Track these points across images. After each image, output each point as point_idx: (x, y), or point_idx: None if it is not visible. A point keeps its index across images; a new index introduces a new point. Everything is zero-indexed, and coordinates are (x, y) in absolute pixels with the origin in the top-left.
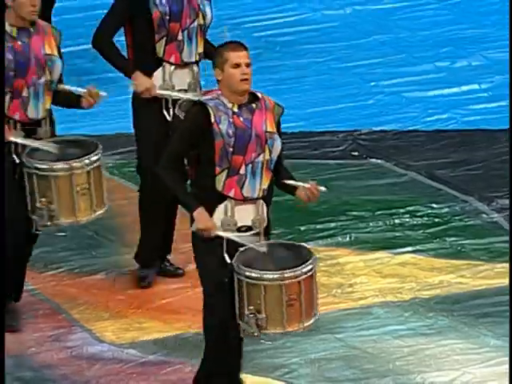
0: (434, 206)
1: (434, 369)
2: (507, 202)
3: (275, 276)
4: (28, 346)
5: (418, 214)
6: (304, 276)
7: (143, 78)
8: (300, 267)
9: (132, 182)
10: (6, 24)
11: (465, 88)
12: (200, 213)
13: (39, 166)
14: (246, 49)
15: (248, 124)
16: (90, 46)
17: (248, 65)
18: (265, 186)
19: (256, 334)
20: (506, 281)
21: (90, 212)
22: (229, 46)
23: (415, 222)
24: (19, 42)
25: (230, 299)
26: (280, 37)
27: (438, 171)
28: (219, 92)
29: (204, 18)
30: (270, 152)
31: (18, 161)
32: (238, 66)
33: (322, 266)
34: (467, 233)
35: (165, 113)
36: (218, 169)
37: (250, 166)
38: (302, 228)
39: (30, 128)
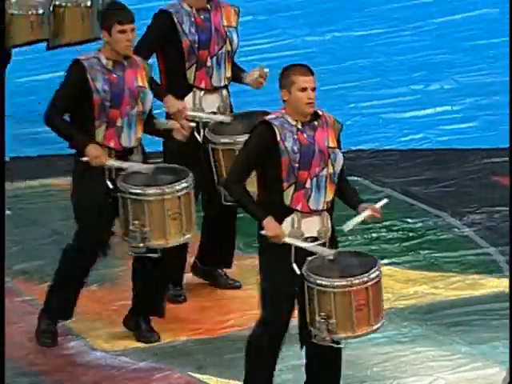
0: (409, 220)
1: (409, 374)
2: (478, 217)
3: (344, 283)
4: (25, 354)
5: (394, 228)
6: (371, 282)
7: (175, 101)
8: (367, 274)
9: None
10: (102, 57)
11: (438, 109)
12: (269, 221)
13: (133, 190)
14: (312, 74)
15: (311, 140)
16: None
17: (314, 89)
18: (329, 198)
19: (327, 339)
20: (477, 292)
21: (179, 235)
22: (297, 69)
23: (391, 236)
24: (114, 75)
25: (289, 312)
26: (263, 61)
27: (413, 188)
28: (283, 111)
29: (231, 44)
30: (333, 166)
31: (111, 186)
32: (304, 89)
33: None
34: (440, 246)
35: (196, 135)
36: (285, 184)
37: (315, 179)
38: None
39: (123, 155)
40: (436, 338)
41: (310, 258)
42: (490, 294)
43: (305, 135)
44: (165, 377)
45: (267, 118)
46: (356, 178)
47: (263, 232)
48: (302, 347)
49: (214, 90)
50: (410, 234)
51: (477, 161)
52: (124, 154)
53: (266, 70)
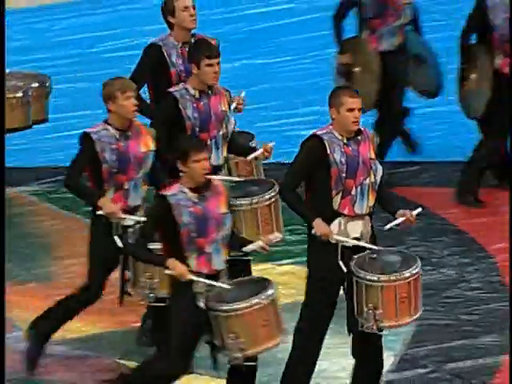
0: None
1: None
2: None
3: (391, 278)
4: None
5: (296, 231)
6: (412, 278)
7: (324, 225)
8: (409, 270)
9: (58, 206)
10: (189, 87)
11: None
12: (318, 222)
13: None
14: (358, 96)
15: (356, 153)
16: None
17: (360, 110)
18: (371, 204)
19: (374, 328)
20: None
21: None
22: (346, 91)
23: (294, 239)
24: (201, 103)
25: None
26: None
27: None
28: (330, 127)
29: (375, 175)
30: (375, 175)
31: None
32: (352, 110)
33: None
34: None
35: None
36: (334, 192)
37: (360, 188)
38: None
39: (214, 172)
40: (333, 327)
41: (355, 256)
42: None
43: (350, 148)
44: (96, 362)
45: (317, 132)
46: None
47: (313, 231)
48: (349, 334)
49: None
50: None
51: None
52: (214, 171)
53: (243, 94)
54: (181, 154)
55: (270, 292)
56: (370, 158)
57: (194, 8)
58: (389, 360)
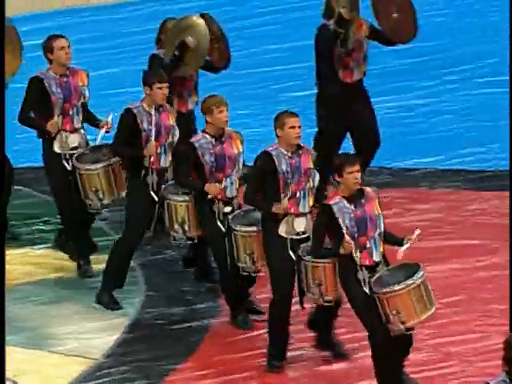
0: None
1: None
2: (109, 214)
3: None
4: None
5: (49, 222)
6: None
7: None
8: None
9: None
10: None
11: None
12: (277, 206)
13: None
14: (297, 116)
15: (298, 164)
16: None
17: (300, 127)
18: (311, 204)
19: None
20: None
21: None
22: (286, 114)
23: (48, 228)
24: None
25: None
26: None
27: None
28: (277, 144)
29: (313, 180)
30: (313, 181)
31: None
32: (293, 127)
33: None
34: None
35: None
36: (282, 195)
37: (302, 191)
38: None
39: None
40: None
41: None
42: None
43: (294, 160)
44: None
45: (268, 149)
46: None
47: (273, 209)
48: (301, 306)
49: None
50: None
51: None
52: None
53: (111, 117)
54: (336, 168)
55: (420, 274)
56: (309, 168)
57: (68, 47)
58: (124, 323)
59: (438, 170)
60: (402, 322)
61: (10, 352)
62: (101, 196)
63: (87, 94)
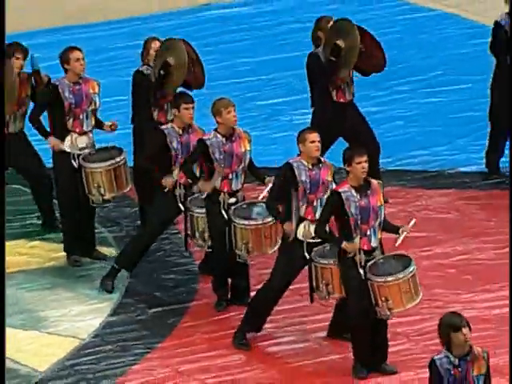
0: None
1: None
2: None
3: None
4: None
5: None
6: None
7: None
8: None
9: None
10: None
11: None
12: (288, 224)
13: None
14: (316, 131)
15: (318, 176)
16: None
17: (319, 141)
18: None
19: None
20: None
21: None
22: (307, 130)
23: (39, 222)
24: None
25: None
26: None
27: None
28: (299, 157)
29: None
30: (328, 192)
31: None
32: (313, 142)
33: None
34: None
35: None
36: (301, 203)
37: (319, 200)
38: None
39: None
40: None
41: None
42: None
43: (314, 172)
44: None
45: (290, 161)
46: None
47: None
48: (311, 301)
49: None
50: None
51: None
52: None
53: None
54: (346, 159)
55: (411, 268)
56: (327, 180)
57: (83, 59)
58: (109, 307)
59: (387, 170)
60: (389, 309)
61: (9, 333)
62: (102, 192)
63: (98, 101)
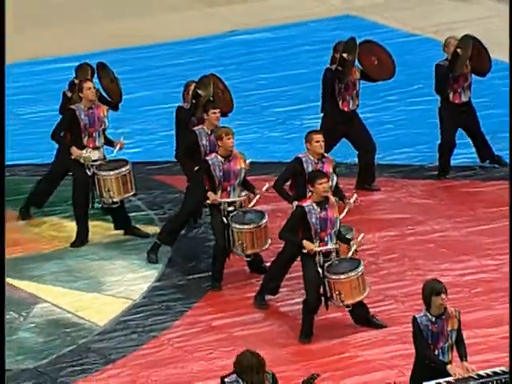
0: None
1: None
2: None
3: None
4: None
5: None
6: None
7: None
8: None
9: None
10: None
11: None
12: (295, 202)
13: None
14: (320, 133)
15: (321, 168)
16: None
17: (323, 141)
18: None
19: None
20: None
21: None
22: (313, 132)
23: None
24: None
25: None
26: None
27: None
28: (307, 153)
29: (332, 180)
30: (332, 181)
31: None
32: (318, 141)
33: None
34: None
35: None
36: (307, 190)
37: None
38: None
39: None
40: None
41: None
42: None
43: (318, 166)
44: None
45: (300, 155)
46: None
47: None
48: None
49: None
50: None
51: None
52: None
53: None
54: (309, 180)
55: (360, 269)
56: (329, 172)
57: (94, 88)
58: (155, 274)
59: (379, 164)
60: (342, 301)
61: (75, 294)
62: (111, 195)
63: (107, 122)
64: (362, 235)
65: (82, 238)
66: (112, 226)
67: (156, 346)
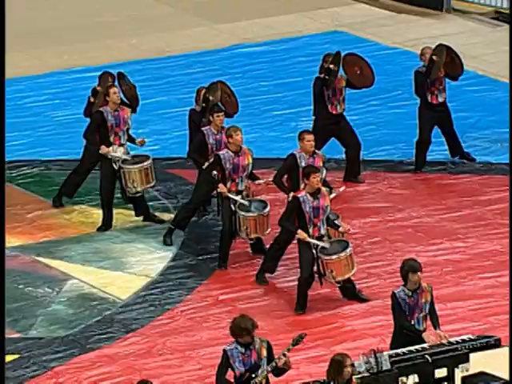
0: None
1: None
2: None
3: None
4: None
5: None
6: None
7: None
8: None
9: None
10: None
11: None
12: (292, 193)
13: None
14: (312, 133)
15: (313, 163)
16: None
17: (314, 140)
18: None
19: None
20: None
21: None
22: (305, 132)
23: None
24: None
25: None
26: None
27: None
28: (299, 150)
29: (322, 173)
30: (322, 174)
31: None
32: (309, 141)
33: None
34: None
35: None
36: (301, 182)
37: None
38: None
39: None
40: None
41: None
42: None
43: (310, 160)
44: (16, 257)
45: (294, 152)
46: None
47: (290, 196)
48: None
49: None
50: None
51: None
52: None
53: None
54: (304, 174)
55: (348, 249)
56: (320, 166)
57: (118, 92)
58: (170, 255)
59: (364, 159)
60: (333, 277)
61: (100, 272)
62: (135, 185)
63: (130, 123)
64: (342, 188)
65: (106, 224)
66: (133, 213)
67: (170, 317)
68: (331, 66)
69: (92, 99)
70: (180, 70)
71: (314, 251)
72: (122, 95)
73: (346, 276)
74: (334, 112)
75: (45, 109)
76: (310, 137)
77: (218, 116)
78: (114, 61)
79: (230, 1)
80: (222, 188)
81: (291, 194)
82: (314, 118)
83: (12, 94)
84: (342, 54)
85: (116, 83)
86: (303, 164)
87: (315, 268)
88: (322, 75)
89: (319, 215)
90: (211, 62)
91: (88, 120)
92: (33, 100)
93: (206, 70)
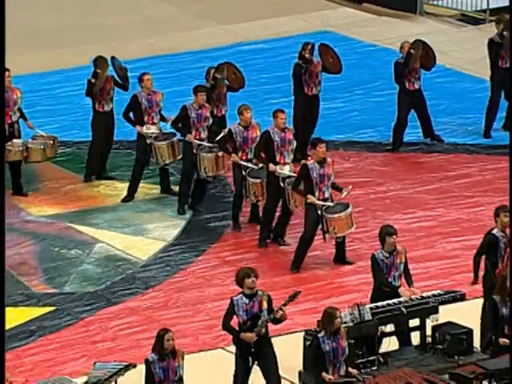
0: None
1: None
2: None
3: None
4: None
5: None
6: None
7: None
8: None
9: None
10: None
11: None
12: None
13: None
14: (284, 111)
15: (284, 137)
16: None
17: (285, 118)
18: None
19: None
20: None
21: None
22: (278, 110)
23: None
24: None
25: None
26: None
27: None
28: (273, 127)
29: None
30: (292, 145)
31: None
32: (282, 118)
33: None
34: None
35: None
36: (276, 153)
37: (286, 151)
38: None
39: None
40: None
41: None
42: None
43: (282, 135)
44: (52, 224)
45: (268, 128)
46: None
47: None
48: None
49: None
50: None
51: None
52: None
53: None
54: (312, 144)
55: (349, 209)
56: (290, 139)
57: (151, 79)
58: (183, 223)
59: (349, 141)
60: (335, 233)
61: (124, 237)
62: (164, 158)
63: (162, 105)
64: (349, 187)
65: (131, 195)
66: (153, 186)
67: (184, 275)
68: (307, 56)
69: (93, 80)
70: (191, 65)
71: (319, 212)
72: (115, 75)
73: (347, 232)
74: (309, 93)
75: (77, 98)
76: (283, 115)
77: (202, 95)
78: (133, 57)
79: (233, 4)
80: (234, 157)
81: (270, 164)
82: (293, 97)
83: (46, 85)
84: (317, 45)
85: (118, 80)
86: (276, 138)
87: (320, 226)
88: (301, 61)
89: (324, 181)
90: (217, 57)
91: (89, 99)
92: (65, 90)
93: (213, 64)
